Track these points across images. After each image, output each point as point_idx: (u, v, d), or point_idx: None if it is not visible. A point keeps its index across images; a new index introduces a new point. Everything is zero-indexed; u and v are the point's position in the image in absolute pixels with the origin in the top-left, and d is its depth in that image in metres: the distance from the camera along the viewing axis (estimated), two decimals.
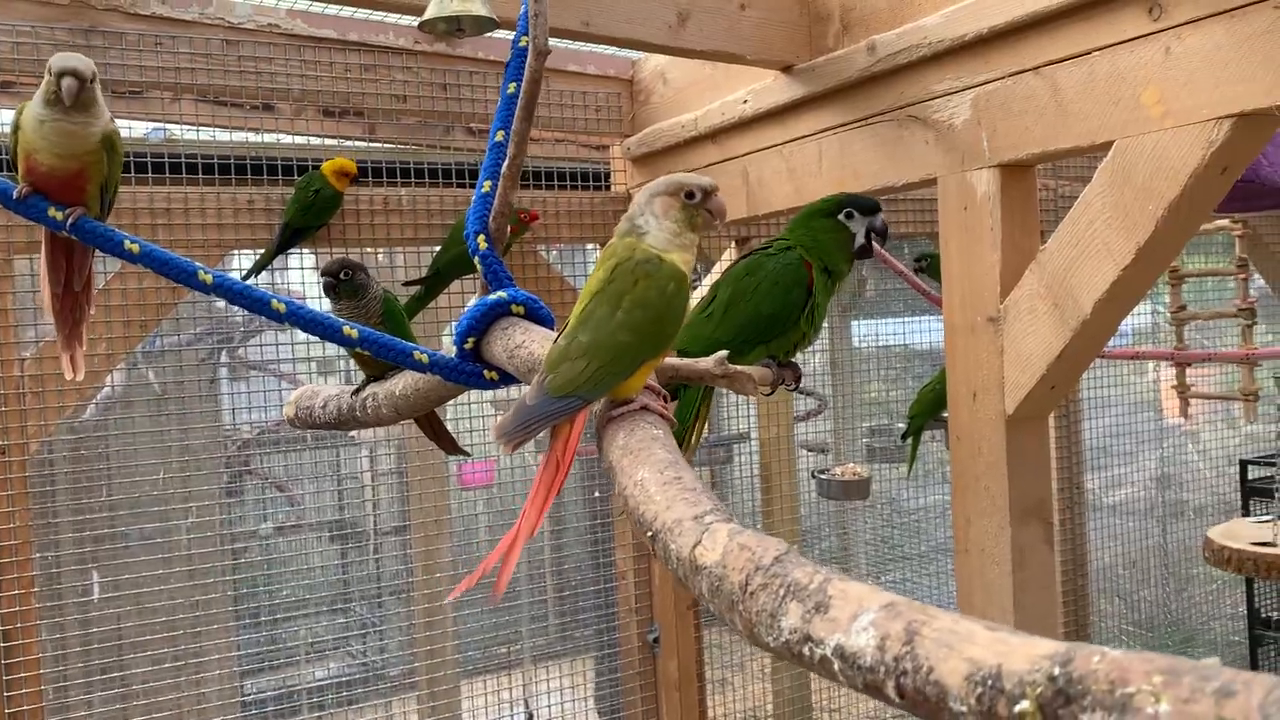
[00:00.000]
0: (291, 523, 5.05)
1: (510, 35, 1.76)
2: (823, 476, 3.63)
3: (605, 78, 3.60)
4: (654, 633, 3.63)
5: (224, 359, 4.66)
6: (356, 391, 1.84)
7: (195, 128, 3.34)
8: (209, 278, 1.39)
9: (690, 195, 1.22)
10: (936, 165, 2.49)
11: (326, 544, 5.54)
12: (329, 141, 3.72)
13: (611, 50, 3.48)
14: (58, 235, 1.50)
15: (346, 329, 1.47)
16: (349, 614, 5.73)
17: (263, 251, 3.15)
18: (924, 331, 5.73)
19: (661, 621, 3.64)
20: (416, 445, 3.83)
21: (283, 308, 1.43)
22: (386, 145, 3.77)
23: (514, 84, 1.68)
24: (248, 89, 3.09)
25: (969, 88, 2.39)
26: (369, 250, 3.55)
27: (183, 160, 3.23)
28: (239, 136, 3.52)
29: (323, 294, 1.97)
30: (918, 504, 6.60)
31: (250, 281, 2.86)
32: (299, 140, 3.68)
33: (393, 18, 3.19)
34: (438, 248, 3.34)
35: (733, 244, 3.90)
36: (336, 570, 5.61)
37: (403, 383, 1.71)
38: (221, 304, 4.53)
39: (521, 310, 1.51)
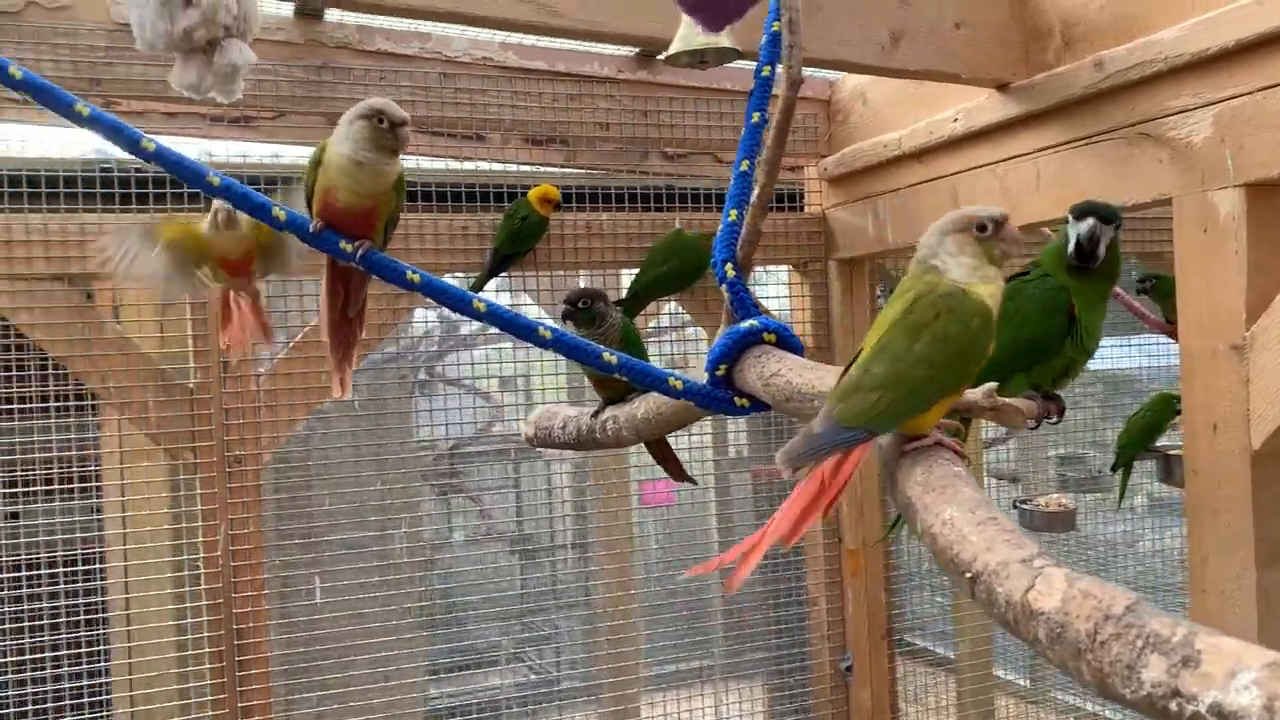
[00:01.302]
0: (484, 533, 5.22)
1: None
2: (1025, 507, 3.49)
3: (801, 98, 3.58)
4: (846, 661, 3.57)
5: (421, 375, 4.87)
6: (596, 414, 1.89)
7: (414, 157, 3.51)
8: (482, 305, 1.46)
9: (982, 228, 1.19)
10: (1171, 185, 2.37)
11: (509, 555, 5.70)
12: (529, 168, 3.84)
13: (809, 70, 3.47)
14: (337, 265, 1.60)
15: (606, 355, 1.52)
16: (528, 625, 5.87)
17: (475, 276, 3.28)
18: (1109, 358, 5.46)
19: (854, 650, 3.58)
20: (601, 463, 3.90)
21: (548, 334, 1.49)
22: (584, 170, 3.87)
23: (757, 113, 1.69)
24: (462, 120, 3.23)
25: (1211, 104, 2.27)
26: (571, 274, 3.64)
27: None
28: (448, 164, 3.68)
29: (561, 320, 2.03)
30: (1103, 537, 6.28)
31: None
32: (501, 167, 3.82)
33: (598, 47, 3.28)
34: (636, 270, 3.41)
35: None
36: (517, 581, 5.75)
37: (644, 406, 1.75)
38: (421, 324, 4.73)
39: (773, 338, 1.51)
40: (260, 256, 2.01)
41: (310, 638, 3.23)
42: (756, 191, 1.58)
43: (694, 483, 2.33)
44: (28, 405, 3.16)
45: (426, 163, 3.66)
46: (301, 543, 3.29)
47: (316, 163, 1.54)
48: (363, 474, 3.70)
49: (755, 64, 1.74)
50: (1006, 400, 1.35)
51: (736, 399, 1.53)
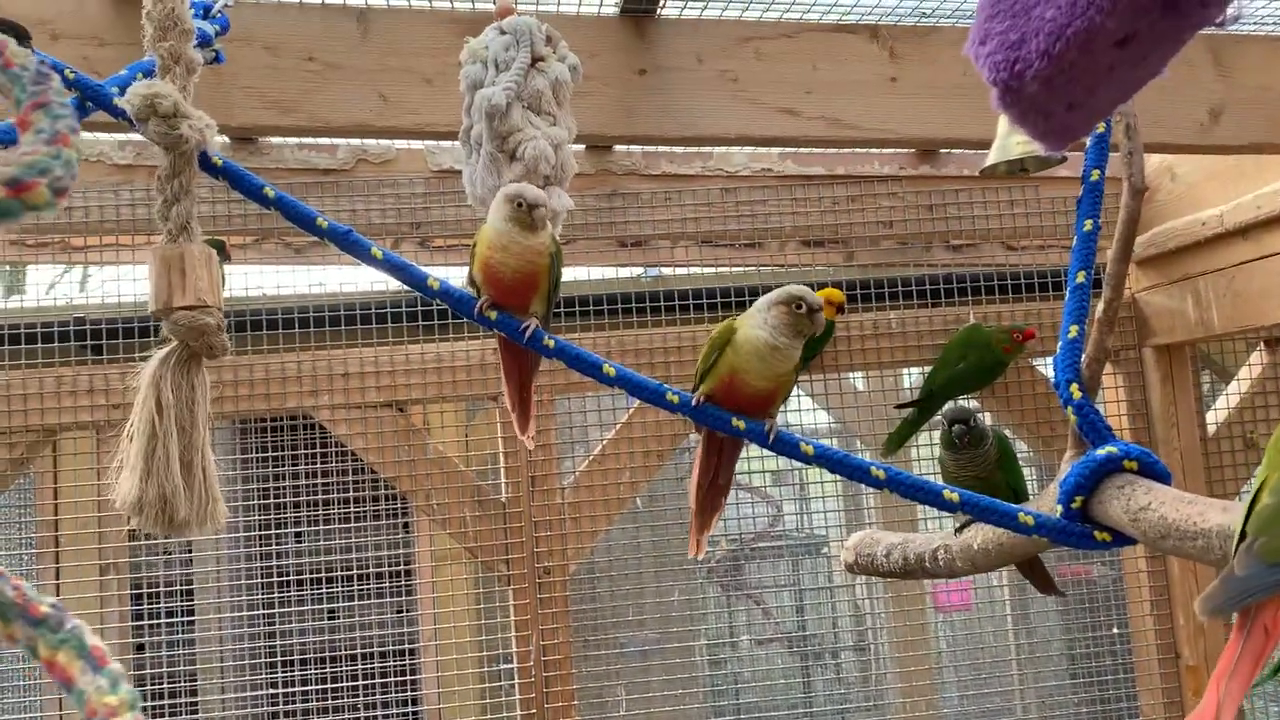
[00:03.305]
0: (769, 635, 5.15)
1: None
2: None
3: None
4: None
5: None
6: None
7: (696, 266, 3.60)
8: (810, 449, 1.44)
9: None
10: None
11: (791, 656, 5.57)
12: (807, 268, 3.83)
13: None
14: (714, 435, 1.61)
15: (947, 493, 1.45)
16: None
17: None
18: None
19: None
20: None
21: (882, 474, 1.45)
22: (861, 267, 3.82)
23: (1090, 220, 1.60)
24: (743, 231, 3.28)
25: None
26: (850, 374, 3.58)
27: (676, 301, 3.44)
28: (730, 270, 3.74)
29: (953, 442, 1.99)
30: None
31: None
32: (781, 269, 3.84)
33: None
34: (927, 368, 3.29)
35: (1260, 347, 3.45)
36: (801, 683, 5.60)
37: (981, 536, 1.66)
38: None
39: (1135, 466, 1.39)
40: (545, 286, 1.61)
41: None
42: (1102, 307, 1.48)
43: (1062, 594, 2.16)
44: (362, 514, 3.46)
45: (709, 271, 3.74)
46: (605, 652, 3.35)
47: (725, 343, 1.54)
48: (652, 582, 3.74)
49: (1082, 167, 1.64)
50: None
51: (1096, 533, 1.42)
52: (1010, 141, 1.75)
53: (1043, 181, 3.32)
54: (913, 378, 3.92)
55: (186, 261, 1.48)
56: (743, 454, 4.78)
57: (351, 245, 1.60)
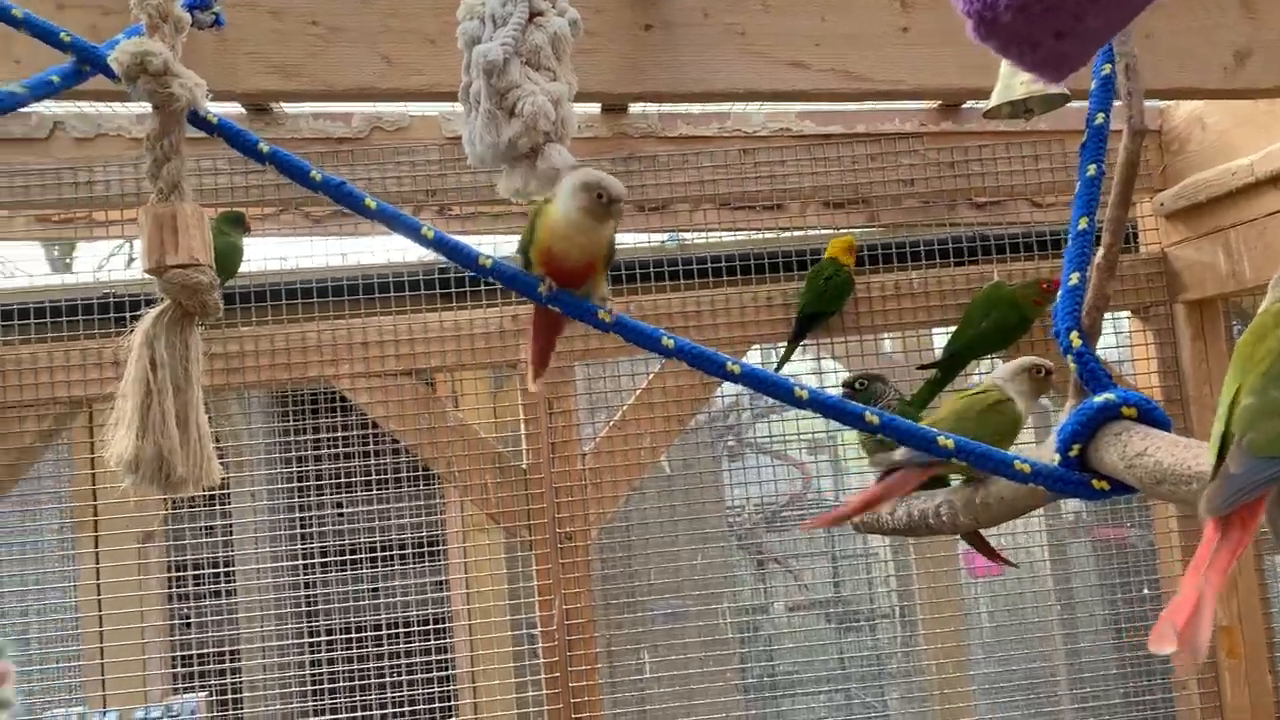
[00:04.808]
0: (802, 601, 5.14)
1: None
2: None
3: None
4: None
5: (730, 442, 4.90)
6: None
7: (718, 232, 3.57)
8: (804, 393, 1.42)
9: None
10: None
11: (826, 624, 5.57)
12: (829, 231, 3.79)
13: None
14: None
15: (942, 440, 1.43)
16: (851, 695, 5.68)
17: (782, 347, 3.27)
18: None
19: None
20: None
21: (875, 419, 1.43)
22: (887, 228, 3.76)
23: (1093, 165, 1.54)
24: (763, 192, 3.24)
25: None
26: (876, 337, 3.53)
27: (694, 265, 3.43)
28: (741, 235, 3.71)
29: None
30: None
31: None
32: (798, 233, 3.80)
33: (899, 103, 3.19)
34: (952, 329, 3.24)
35: None
36: (836, 651, 5.60)
37: (984, 490, 1.63)
38: (731, 396, 4.76)
39: (1133, 413, 1.35)
40: (603, 266, 1.62)
41: (640, 713, 3.28)
42: (1101, 253, 1.44)
43: (1014, 565, 2.15)
44: (384, 483, 3.49)
45: (728, 236, 3.71)
46: (630, 615, 3.37)
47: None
48: (681, 546, 3.75)
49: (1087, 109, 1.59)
50: None
51: (1094, 482, 1.38)
52: (1014, 81, 1.70)
53: (1068, 136, 3.24)
54: (943, 339, 3.87)
55: (179, 220, 1.49)
56: (776, 419, 4.72)
57: (345, 197, 1.59)
